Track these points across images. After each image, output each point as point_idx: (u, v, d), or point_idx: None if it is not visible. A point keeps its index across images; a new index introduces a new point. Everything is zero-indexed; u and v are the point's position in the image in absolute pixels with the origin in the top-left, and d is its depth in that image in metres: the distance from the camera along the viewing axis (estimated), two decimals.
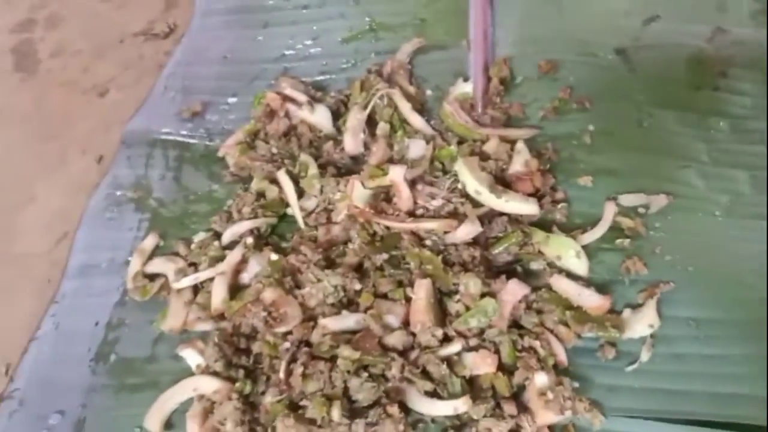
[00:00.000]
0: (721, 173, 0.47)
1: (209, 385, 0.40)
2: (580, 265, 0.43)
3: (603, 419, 0.38)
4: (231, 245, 0.47)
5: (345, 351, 0.38)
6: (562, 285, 0.42)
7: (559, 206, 0.46)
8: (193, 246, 0.48)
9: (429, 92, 0.55)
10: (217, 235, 0.48)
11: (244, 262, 0.46)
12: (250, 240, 0.46)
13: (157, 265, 0.48)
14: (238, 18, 0.64)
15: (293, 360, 0.39)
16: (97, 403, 0.43)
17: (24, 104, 0.63)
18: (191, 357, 0.43)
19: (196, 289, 0.46)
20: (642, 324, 0.40)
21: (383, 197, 0.45)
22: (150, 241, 0.49)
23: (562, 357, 0.39)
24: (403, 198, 0.44)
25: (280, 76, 0.57)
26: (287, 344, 0.40)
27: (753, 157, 0.47)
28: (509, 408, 0.37)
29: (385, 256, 0.43)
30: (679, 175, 0.47)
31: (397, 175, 0.44)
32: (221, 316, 0.44)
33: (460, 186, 0.45)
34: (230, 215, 0.49)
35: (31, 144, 0.59)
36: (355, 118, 0.51)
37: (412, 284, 0.41)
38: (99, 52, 0.66)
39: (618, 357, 0.40)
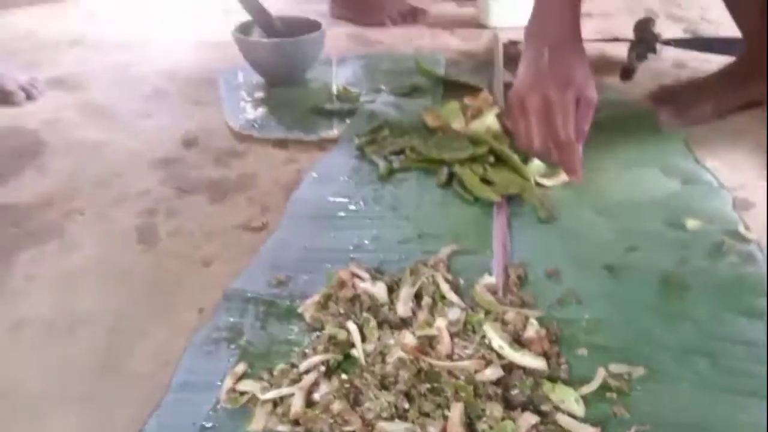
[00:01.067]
0: (686, 358, 0.61)
1: None
2: (579, 409, 0.55)
3: None
4: (305, 373, 0.60)
5: None
6: (565, 421, 0.54)
7: (562, 367, 0.60)
8: (275, 373, 0.62)
9: (462, 281, 0.72)
10: (294, 367, 0.62)
11: (316, 384, 0.59)
12: (322, 368, 0.60)
13: (245, 385, 0.60)
14: (316, 222, 0.86)
15: None
16: None
17: (143, 268, 0.81)
18: None
19: (275, 403, 0.58)
20: None
21: (428, 344, 0.60)
22: (240, 367, 0.62)
23: None
24: (445, 343, 0.59)
25: (349, 261, 0.75)
26: None
27: (718, 342, 0.62)
28: None
29: (427, 385, 0.56)
30: (655, 355, 0.61)
31: (441, 323, 0.59)
32: (296, 422, 0.56)
33: (486, 342, 0.60)
34: (305, 353, 0.63)
35: (147, 297, 0.76)
36: (406, 292, 0.68)
37: (448, 407, 0.54)
38: (207, 237, 0.86)
39: None
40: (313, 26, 1.29)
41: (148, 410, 0.60)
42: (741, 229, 0.78)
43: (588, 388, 0.57)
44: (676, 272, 0.71)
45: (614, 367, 0.60)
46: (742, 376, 0.59)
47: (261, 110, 1.19)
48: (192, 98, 1.27)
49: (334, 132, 1.10)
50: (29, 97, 1.27)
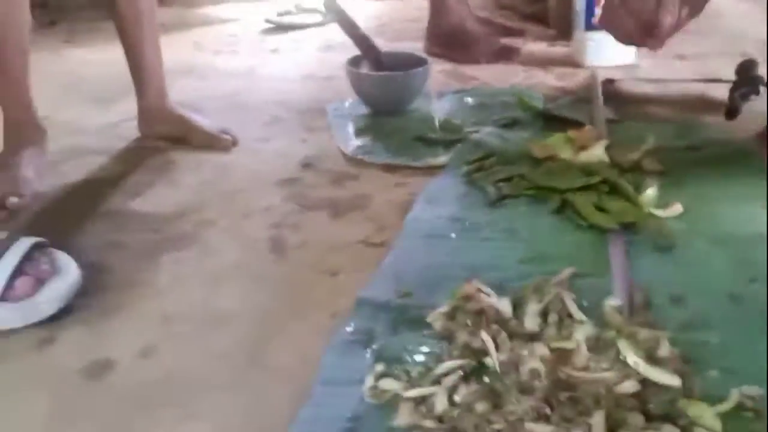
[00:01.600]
0: None
1: None
2: (716, 424, 0.57)
3: None
4: (444, 376, 0.64)
5: None
6: None
7: (696, 385, 0.61)
8: (413, 374, 0.66)
9: (584, 303, 0.74)
10: (430, 370, 0.66)
11: (455, 387, 0.62)
12: (461, 372, 0.63)
13: (386, 383, 0.65)
14: (432, 241, 0.90)
15: None
16: None
17: (277, 275, 0.87)
18: None
19: (416, 402, 0.62)
20: None
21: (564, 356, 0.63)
22: (379, 367, 0.67)
23: None
24: (582, 355, 0.62)
25: (469, 278, 0.79)
26: None
27: None
28: None
29: (567, 394, 0.59)
30: None
31: (580, 336, 0.62)
32: (440, 420, 0.59)
33: (621, 358, 0.62)
34: (440, 358, 0.67)
35: (283, 300, 0.81)
36: (533, 307, 0.71)
37: (589, 415, 0.56)
38: (331, 250, 0.91)
39: None
40: (418, 61, 1.36)
41: (293, 400, 0.64)
42: None
43: (724, 406, 0.59)
44: None
45: (747, 389, 0.61)
46: None
47: (368, 137, 1.26)
48: (305, 125, 1.36)
49: (441, 159, 1.15)
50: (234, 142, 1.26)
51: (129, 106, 1.34)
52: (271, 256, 0.91)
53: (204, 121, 1.30)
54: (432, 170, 1.12)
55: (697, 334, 0.69)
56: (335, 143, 1.25)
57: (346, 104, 1.42)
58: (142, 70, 1.27)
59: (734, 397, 0.60)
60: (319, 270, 0.87)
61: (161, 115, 1.29)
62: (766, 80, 1.28)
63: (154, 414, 0.65)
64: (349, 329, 0.73)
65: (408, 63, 1.36)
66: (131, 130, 1.32)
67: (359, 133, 1.29)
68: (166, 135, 1.28)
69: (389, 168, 1.15)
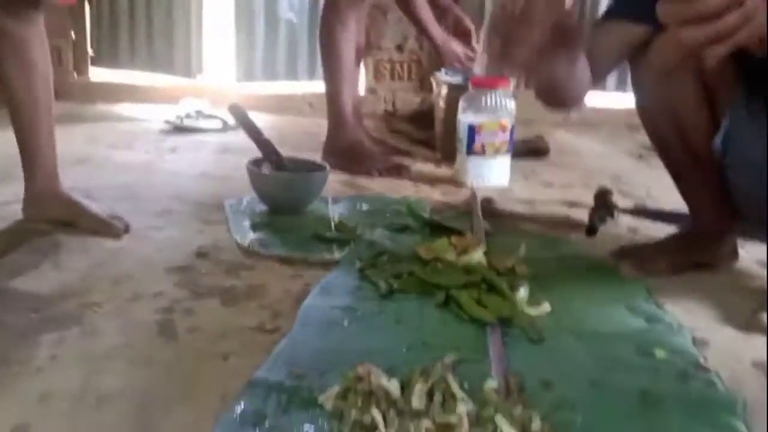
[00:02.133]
0: None
1: None
2: None
3: None
4: None
5: None
6: None
7: None
8: None
9: (465, 385, 0.80)
10: None
11: None
12: None
13: None
14: (326, 328, 0.93)
15: None
16: None
17: (165, 357, 0.85)
18: None
19: None
20: None
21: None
22: None
23: None
24: (464, 428, 0.66)
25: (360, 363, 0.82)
26: None
27: None
28: None
29: None
30: None
31: (462, 410, 0.67)
32: None
33: (498, 431, 0.68)
34: None
35: (171, 382, 0.80)
36: (420, 387, 0.75)
37: None
38: (223, 335, 0.92)
39: None
40: (317, 167, 1.45)
41: None
42: (701, 360, 0.90)
43: None
44: (651, 388, 0.81)
45: None
46: None
47: (265, 232, 1.30)
48: (200, 218, 1.38)
49: (336, 255, 1.20)
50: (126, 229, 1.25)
51: (15, 189, 1.30)
52: (159, 339, 0.90)
53: (94, 206, 1.29)
54: (327, 265, 1.17)
55: (564, 414, 0.75)
56: (232, 236, 1.27)
57: (244, 201, 1.47)
58: (34, 153, 1.25)
59: None
60: (210, 354, 0.87)
61: (51, 197, 1.26)
62: (618, 206, 1.48)
63: None
64: (238, 409, 0.73)
65: (307, 168, 1.44)
66: (15, 213, 1.28)
67: (256, 227, 1.33)
68: (55, 218, 1.25)
69: (285, 261, 1.18)
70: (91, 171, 1.66)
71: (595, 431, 0.73)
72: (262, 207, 1.43)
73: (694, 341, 0.96)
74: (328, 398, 0.75)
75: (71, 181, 1.53)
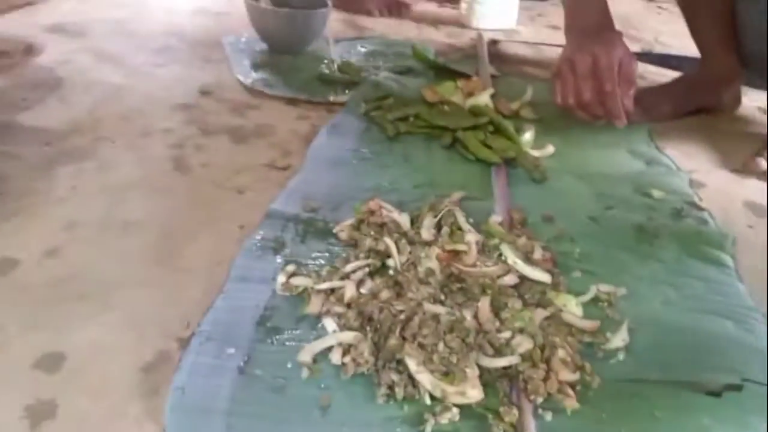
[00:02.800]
0: (657, 287, 0.75)
1: (348, 336, 0.61)
2: (578, 310, 0.68)
3: (599, 379, 0.60)
4: (352, 273, 0.70)
5: (443, 317, 0.61)
6: (569, 317, 0.67)
7: (562, 282, 0.73)
8: (322, 273, 0.71)
9: (471, 220, 0.84)
10: (338, 270, 0.72)
11: (362, 281, 0.69)
12: (367, 269, 0.70)
13: (297, 280, 0.70)
14: (336, 166, 0.96)
15: (408, 321, 0.61)
16: (259, 347, 0.62)
17: (183, 189, 0.88)
18: (330, 324, 0.63)
19: (326, 294, 0.68)
20: (618, 339, 0.64)
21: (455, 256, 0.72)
22: (291, 267, 0.72)
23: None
24: (472, 255, 0.71)
25: (372, 197, 0.85)
26: (402, 315, 0.62)
27: (681, 278, 0.76)
28: (542, 366, 0.60)
29: (458, 285, 0.68)
30: (632, 283, 0.75)
31: (471, 238, 0.72)
32: (349, 306, 0.66)
33: (503, 259, 0.72)
34: (347, 259, 0.73)
35: (191, 211, 0.83)
36: (429, 220, 0.79)
37: (477, 300, 0.66)
38: (237, 171, 0.94)
39: (603, 357, 0.64)
40: (318, 3, 1.39)
41: (206, 295, 0.68)
42: (696, 200, 0.94)
43: (584, 298, 0.70)
44: (647, 224, 0.86)
45: (603, 287, 0.73)
46: (701, 301, 0.73)
47: (268, 72, 1.28)
48: (200, 55, 1.34)
49: (342, 97, 1.20)
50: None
51: None
52: (175, 173, 0.92)
53: None
54: (332, 107, 1.17)
55: (563, 245, 0.80)
56: (233, 74, 1.25)
57: (243, 39, 1.42)
58: None
59: (592, 291, 0.71)
60: (226, 188, 0.89)
61: None
62: None
63: (64, 307, 0.65)
64: (258, 237, 0.78)
65: (308, 4, 1.38)
66: None
67: (257, 67, 1.30)
68: None
69: (290, 101, 1.18)
70: (81, 5, 1.58)
71: (592, 260, 0.78)
72: (261, 45, 1.39)
73: (691, 183, 0.99)
74: (342, 228, 0.79)
75: (60, 15, 1.48)
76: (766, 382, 0.60)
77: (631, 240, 0.83)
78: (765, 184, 1.01)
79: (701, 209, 0.91)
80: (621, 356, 0.63)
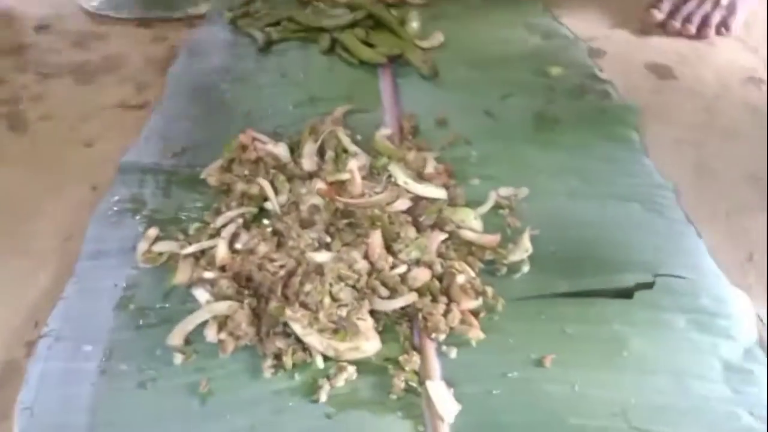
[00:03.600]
0: (561, 177, 0.70)
1: (222, 307, 0.53)
2: (477, 224, 0.62)
3: (503, 301, 0.55)
4: (222, 228, 0.62)
5: (328, 267, 0.54)
6: (467, 234, 0.61)
7: (459, 194, 0.66)
8: (190, 232, 0.62)
9: (358, 136, 0.75)
10: (208, 225, 0.63)
11: (235, 235, 0.60)
12: (240, 220, 0.61)
13: (161, 246, 0.61)
14: (201, 95, 0.83)
15: (290, 277, 0.54)
16: (121, 337, 0.54)
17: (20, 153, 0.75)
18: (201, 295, 0.55)
19: (195, 258, 0.60)
20: (520, 250, 0.59)
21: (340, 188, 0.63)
22: (152, 231, 0.62)
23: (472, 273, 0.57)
24: (357, 184, 0.62)
25: (243, 128, 0.75)
26: (282, 272, 0.55)
27: (586, 161, 0.71)
28: (442, 299, 0.54)
29: (345, 221, 0.60)
30: (534, 178, 0.69)
31: (353, 166, 0.63)
32: (222, 269, 0.57)
33: (393, 180, 0.65)
34: (219, 210, 0.64)
35: (33, 180, 0.71)
36: (309, 147, 0.70)
37: (367, 236, 0.58)
38: (82, 119, 0.81)
39: (507, 273, 0.58)
40: None
41: (60, 282, 0.58)
42: (596, 72, 0.87)
43: (483, 208, 0.64)
44: (546, 110, 0.79)
45: (503, 191, 0.67)
46: (607, 185, 0.68)
47: None
48: None
49: (202, 8, 1.05)
50: None
51: None
52: (10, 134, 0.78)
53: None
54: (193, 21, 1.02)
55: (459, 151, 0.73)
56: (75, 0, 1.07)
57: None
58: None
59: (492, 198, 0.65)
60: (70, 142, 0.77)
61: None
62: None
63: None
64: (114, 199, 0.67)
65: None
66: None
67: None
68: None
69: (143, 23, 1.02)
70: None
71: (490, 162, 0.71)
72: None
73: (590, 52, 0.92)
74: (211, 173, 0.69)
75: None
76: (677, 274, 0.57)
77: (530, 130, 0.77)
78: (666, 40, 0.96)
79: (603, 81, 0.85)
80: (525, 268, 0.58)
